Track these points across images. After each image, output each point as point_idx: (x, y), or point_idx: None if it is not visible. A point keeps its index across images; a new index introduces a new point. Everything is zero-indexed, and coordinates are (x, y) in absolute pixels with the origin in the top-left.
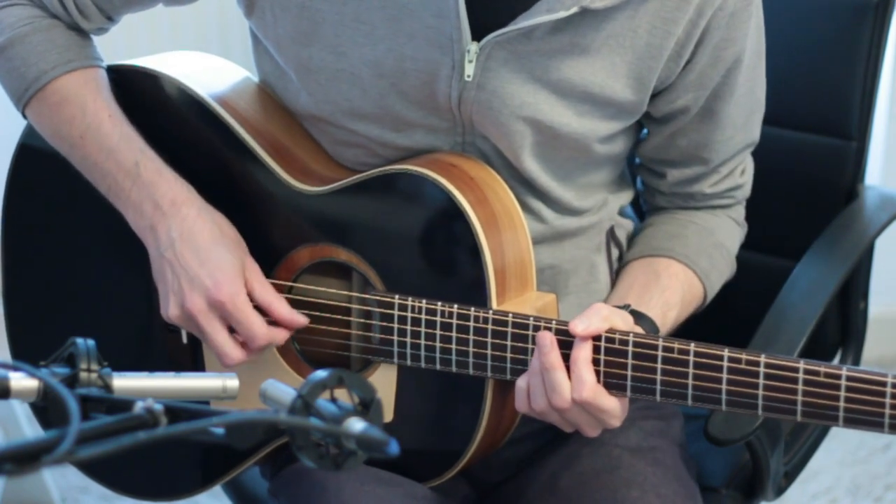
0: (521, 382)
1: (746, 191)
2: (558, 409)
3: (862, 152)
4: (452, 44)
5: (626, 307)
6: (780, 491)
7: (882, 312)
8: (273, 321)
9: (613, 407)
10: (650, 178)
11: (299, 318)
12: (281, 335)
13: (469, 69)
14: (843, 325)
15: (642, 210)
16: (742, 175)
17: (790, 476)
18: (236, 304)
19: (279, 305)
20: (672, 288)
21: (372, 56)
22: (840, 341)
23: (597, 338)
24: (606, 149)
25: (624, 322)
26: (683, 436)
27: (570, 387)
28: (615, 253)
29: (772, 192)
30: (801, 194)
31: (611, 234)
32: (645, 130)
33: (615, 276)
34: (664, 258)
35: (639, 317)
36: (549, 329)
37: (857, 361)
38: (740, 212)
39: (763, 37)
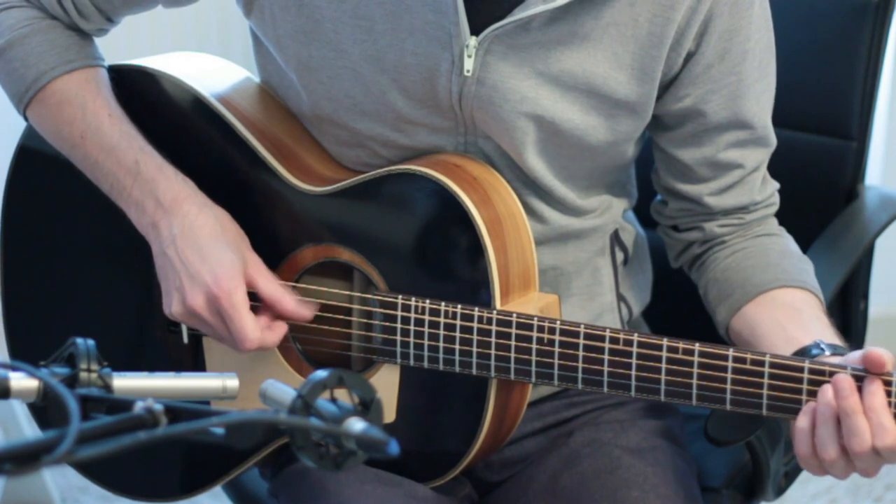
0: (802, 423)
1: (778, 196)
2: (857, 454)
3: (862, 152)
4: (451, 39)
5: (818, 345)
6: (780, 491)
7: (882, 312)
8: (275, 317)
9: None
10: (692, 206)
11: (306, 311)
12: (272, 337)
13: (468, 64)
14: (843, 325)
15: (678, 255)
16: (773, 181)
17: (790, 476)
18: (232, 301)
19: (286, 299)
20: (819, 316)
21: (373, 52)
22: None
23: (600, 338)
24: (612, 154)
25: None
26: (683, 436)
27: (871, 432)
28: (620, 256)
29: None
30: (801, 194)
31: (615, 238)
32: (671, 148)
33: (730, 332)
34: (777, 289)
35: (835, 349)
36: (554, 329)
37: None
38: (776, 220)
39: (771, 28)
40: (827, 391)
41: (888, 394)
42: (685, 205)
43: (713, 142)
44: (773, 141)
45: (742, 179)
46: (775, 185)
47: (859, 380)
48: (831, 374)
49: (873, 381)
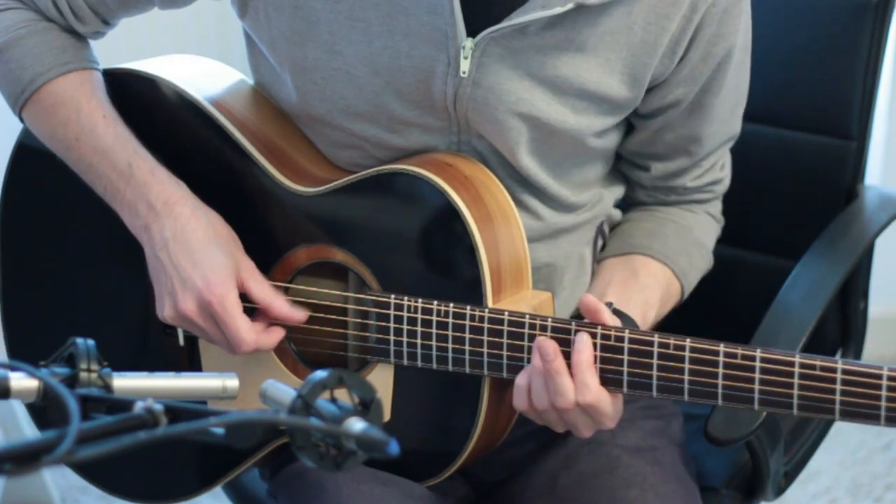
0: (521, 381)
1: (725, 185)
2: (560, 410)
3: (862, 152)
4: (447, 40)
5: (609, 305)
6: (780, 491)
7: (882, 312)
8: (271, 320)
9: (611, 410)
10: (632, 172)
11: (298, 314)
12: (268, 340)
13: (464, 65)
14: (843, 325)
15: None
16: (722, 169)
17: (790, 476)
18: (224, 305)
19: (277, 302)
20: (651, 287)
21: (367, 53)
22: (840, 341)
23: (592, 335)
24: (600, 143)
25: (611, 320)
26: (683, 436)
27: (574, 389)
28: (600, 243)
29: (772, 192)
30: (801, 194)
31: (598, 228)
32: (637, 124)
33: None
34: (642, 256)
35: (621, 316)
36: (546, 327)
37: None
38: (718, 207)
39: (750, 32)
40: (536, 351)
41: (595, 346)
42: (627, 168)
43: (673, 128)
44: (734, 134)
45: (685, 168)
46: (720, 174)
47: (567, 333)
48: (822, 367)
49: (582, 338)
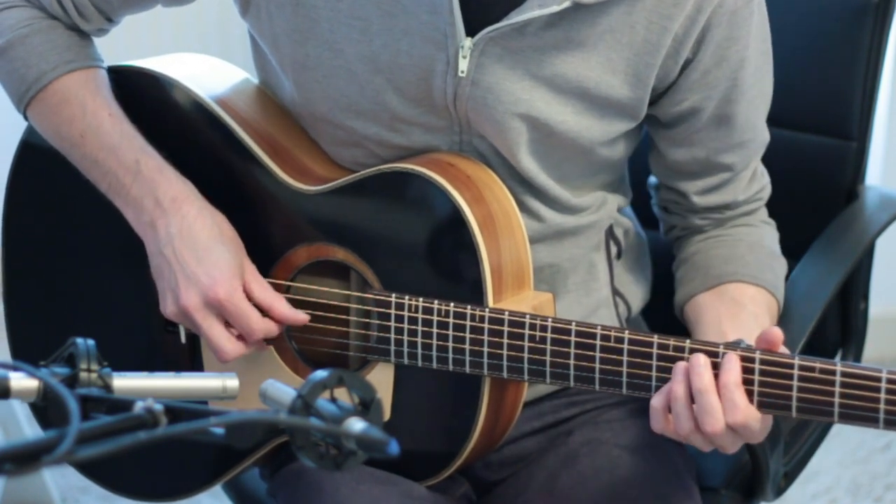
0: (656, 403)
1: (769, 189)
2: (709, 433)
3: (862, 152)
4: (446, 39)
5: (738, 342)
6: (779, 491)
7: (882, 312)
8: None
9: (759, 426)
10: (679, 198)
11: (300, 316)
12: (275, 326)
13: (463, 65)
14: (843, 326)
15: (666, 232)
16: (763, 175)
17: (790, 476)
18: (233, 301)
19: (279, 304)
20: (760, 314)
21: (368, 52)
22: (840, 341)
23: (592, 336)
24: (606, 152)
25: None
26: None
27: (723, 410)
28: (614, 250)
29: (772, 192)
30: (801, 194)
31: (609, 233)
32: (664, 146)
33: (683, 315)
34: (732, 283)
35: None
36: (546, 327)
37: (857, 361)
38: (765, 211)
39: (768, 35)
40: (679, 370)
41: (745, 370)
42: (673, 196)
43: (704, 143)
44: (765, 140)
45: (729, 180)
46: (763, 180)
47: (716, 356)
48: (821, 370)
49: (730, 359)
